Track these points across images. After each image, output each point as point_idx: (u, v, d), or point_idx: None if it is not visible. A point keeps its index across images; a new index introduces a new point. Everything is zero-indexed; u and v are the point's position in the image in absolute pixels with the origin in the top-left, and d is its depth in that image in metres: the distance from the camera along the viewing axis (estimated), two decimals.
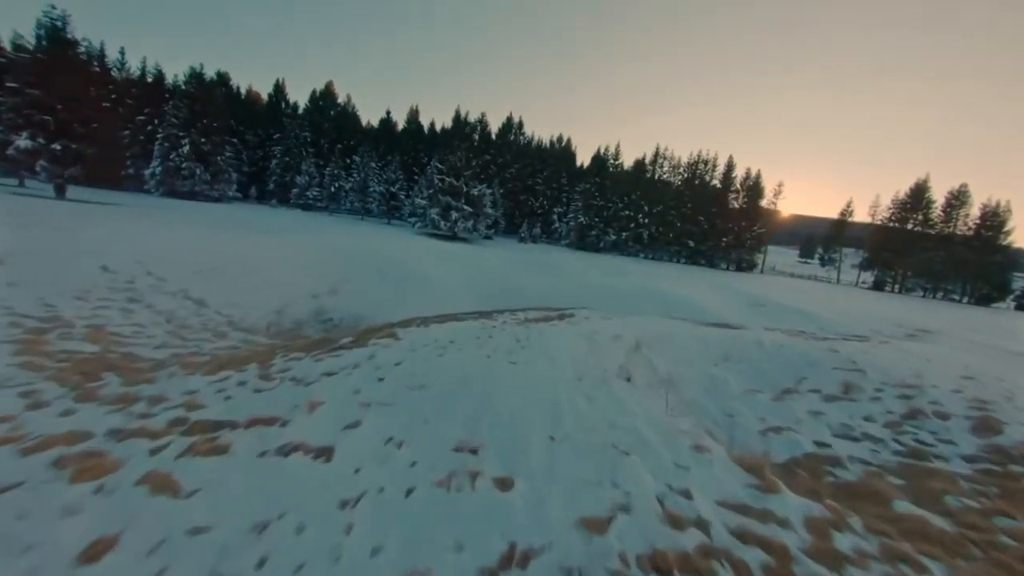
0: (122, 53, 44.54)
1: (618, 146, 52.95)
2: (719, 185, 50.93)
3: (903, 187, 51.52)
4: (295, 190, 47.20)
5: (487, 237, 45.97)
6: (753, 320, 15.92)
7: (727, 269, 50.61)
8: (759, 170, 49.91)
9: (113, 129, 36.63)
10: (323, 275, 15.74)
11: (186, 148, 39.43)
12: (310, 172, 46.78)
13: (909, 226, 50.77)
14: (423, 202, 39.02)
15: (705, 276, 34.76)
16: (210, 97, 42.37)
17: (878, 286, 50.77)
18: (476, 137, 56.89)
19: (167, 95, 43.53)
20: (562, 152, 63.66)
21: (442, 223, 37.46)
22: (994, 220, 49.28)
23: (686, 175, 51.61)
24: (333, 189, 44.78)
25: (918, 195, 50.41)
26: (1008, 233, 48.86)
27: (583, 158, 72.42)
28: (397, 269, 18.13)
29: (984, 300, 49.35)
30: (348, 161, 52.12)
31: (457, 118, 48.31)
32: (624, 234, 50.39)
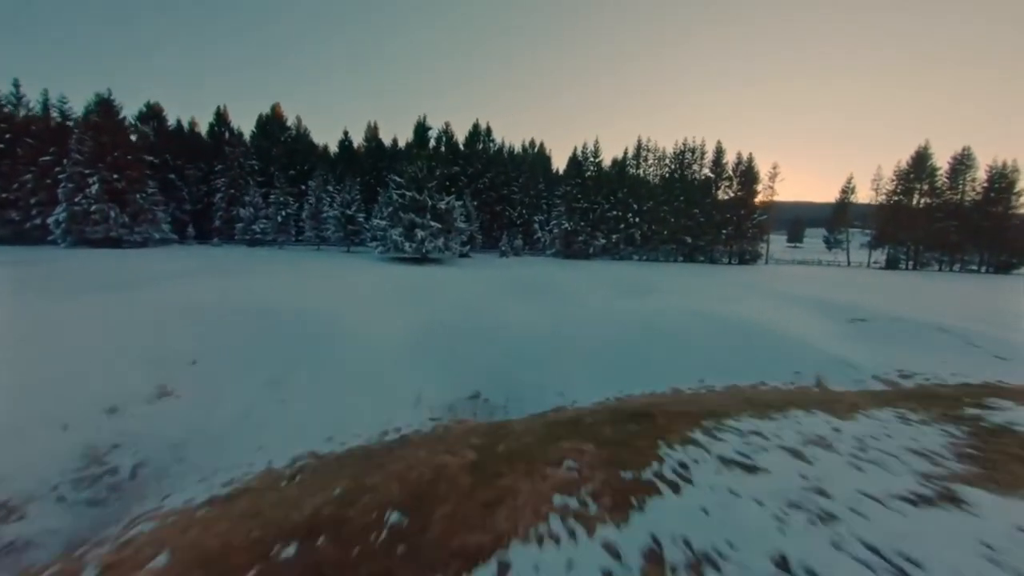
0: (15, 86, 36.86)
1: (596, 143, 46.75)
2: (710, 174, 45.10)
3: (902, 160, 46.31)
4: (239, 224, 39.84)
5: (463, 255, 39.19)
6: (890, 354, 9.36)
7: (729, 263, 44.64)
8: (750, 153, 44.19)
9: None
10: (158, 361, 8.68)
11: (95, 187, 31.92)
12: (255, 203, 39.53)
13: (915, 197, 45.63)
14: (383, 223, 32.09)
15: (721, 275, 28.44)
16: (121, 126, 34.95)
17: (892, 264, 45.24)
18: (443, 148, 50.34)
19: (76, 129, 36.04)
20: (536, 157, 57.53)
21: (407, 244, 30.53)
22: (1002, 182, 44.41)
23: (673, 166, 45.65)
24: (280, 219, 37.51)
25: (920, 163, 45.31)
26: (1020, 194, 44.02)
27: (559, 163, 66.55)
28: (311, 328, 11.18)
29: (1004, 268, 44.30)
30: (303, 187, 45.18)
31: (419, 127, 41.68)
32: (614, 236, 44.08)
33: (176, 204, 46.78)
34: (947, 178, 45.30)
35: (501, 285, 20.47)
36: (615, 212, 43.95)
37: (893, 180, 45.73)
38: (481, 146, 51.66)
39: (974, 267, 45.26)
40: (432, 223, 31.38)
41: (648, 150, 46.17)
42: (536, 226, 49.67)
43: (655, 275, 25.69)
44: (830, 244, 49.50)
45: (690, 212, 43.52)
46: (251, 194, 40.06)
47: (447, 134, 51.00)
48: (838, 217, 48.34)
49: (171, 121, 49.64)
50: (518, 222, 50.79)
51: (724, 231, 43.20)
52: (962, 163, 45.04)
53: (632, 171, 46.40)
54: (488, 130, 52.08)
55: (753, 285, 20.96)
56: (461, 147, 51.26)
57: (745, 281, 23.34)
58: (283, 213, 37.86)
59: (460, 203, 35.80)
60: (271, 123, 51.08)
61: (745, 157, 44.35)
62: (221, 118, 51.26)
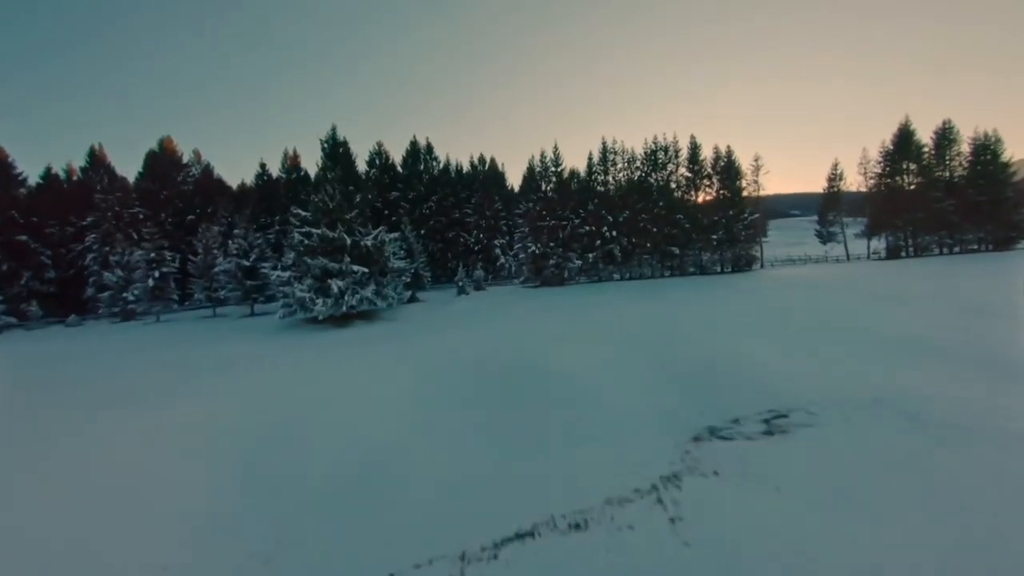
0: None
1: (556, 150, 38.70)
2: (688, 173, 37.91)
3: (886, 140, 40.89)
4: (105, 294, 28.59)
5: (411, 299, 29.56)
6: None
7: (722, 271, 37.22)
8: (728, 146, 37.44)
9: None
10: None
11: None
12: (125, 263, 28.42)
13: (905, 178, 40.23)
14: (284, 274, 22.11)
15: (751, 295, 20.33)
16: None
17: (893, 253, 39.29)
18: (376, 172, 40.91)
19: None
20: (489, 173, 48.92)
21: (319, 301, 20.64)
22: (986, 153, 39.74)
23: (646, 168, 38.14)
24: (152, 282, 26.55)
25: (904, 139, 40.06)
26: (1007, 165, 39.41)
27: (514, 179, 58.48)
28: None
29: (1004, 244, 39.29)
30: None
31: (329, 142, 31.94)
32: (590, 255, 35.75)
33: (32, 273, 34.89)
34: (932, 155, 40.27)
35: (458, 365, 11.20)
36: (588, 227, 35.73)
37: (880, 162, 40.18)
38: (423, 166, 42.59)
39: (974, 247, 40.07)
40: (354, 267, 21.67)
41: (615, 152, 38.49)
42: (498, 251, 40.85)
43: (684, 309, 17.07)
44: (823, 237, 43.41)
45: (672, 218, 35.96)
46: (120, 252, 28.90)
47: (380, 155, 41.58)
48: (829, 208, 42.48)
49: (34, 169, 38.07)
50: (476, 248, 41.74)
51: (714, 236, 35.80)
52: (945, 137, 40.11)
53: (600, 177, 38.55)
54: (429, 147, 43.10)
55: (858, 326, 12.55)
56: (399, 169, 41.99)
57: (829, 317, 14.96)
58: (156, 273, 26.91)
59: (395, 235, 26.35)
60: (160, 160, 39.97)
61: (723, 151, 37.55)
62: (95, 159, 39.80)
